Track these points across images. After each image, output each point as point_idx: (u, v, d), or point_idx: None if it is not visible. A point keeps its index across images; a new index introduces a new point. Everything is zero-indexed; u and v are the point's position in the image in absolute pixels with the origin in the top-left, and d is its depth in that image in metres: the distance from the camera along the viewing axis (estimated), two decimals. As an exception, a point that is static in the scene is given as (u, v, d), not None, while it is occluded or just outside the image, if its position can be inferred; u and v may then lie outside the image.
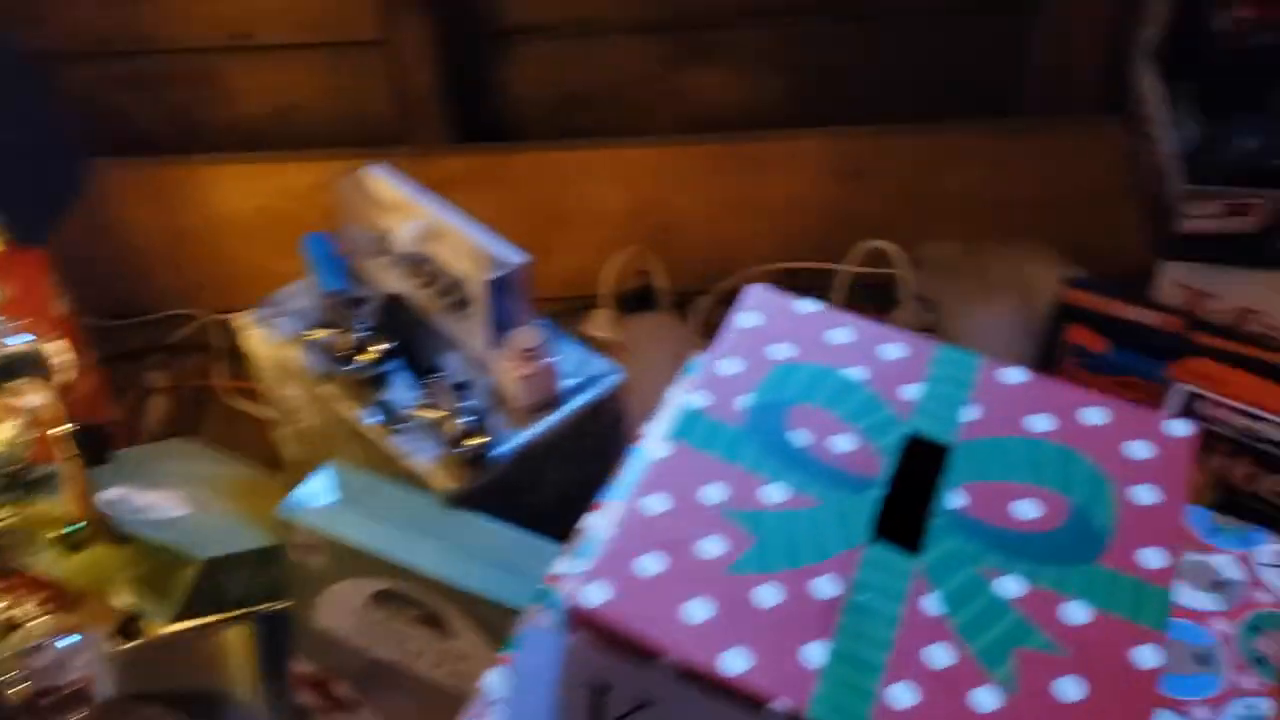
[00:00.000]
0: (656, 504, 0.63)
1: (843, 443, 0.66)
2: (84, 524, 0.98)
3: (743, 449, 0.65)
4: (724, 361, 0.70)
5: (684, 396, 0.68)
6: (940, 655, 0.59)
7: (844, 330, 0.72)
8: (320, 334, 1.05)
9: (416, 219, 1.07)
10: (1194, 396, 1.15)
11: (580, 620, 0.58)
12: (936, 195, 1.47)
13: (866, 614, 0.59)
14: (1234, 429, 1.12)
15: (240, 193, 1.51)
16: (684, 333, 1.45)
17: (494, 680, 0.78)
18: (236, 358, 1.50)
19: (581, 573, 0.59)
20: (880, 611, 0.60)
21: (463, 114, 1.49)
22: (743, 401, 0.68)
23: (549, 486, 1.03)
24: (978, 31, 1.45)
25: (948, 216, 1.47)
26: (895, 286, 1.44)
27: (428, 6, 1.38)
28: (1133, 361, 1.21)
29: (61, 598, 0.97)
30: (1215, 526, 0.88)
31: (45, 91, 0.94)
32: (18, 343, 0.89)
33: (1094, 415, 0.68)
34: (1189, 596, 0.83)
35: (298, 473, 1.17)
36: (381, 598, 0.95)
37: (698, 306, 1.47)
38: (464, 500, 0.97)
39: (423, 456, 0.99)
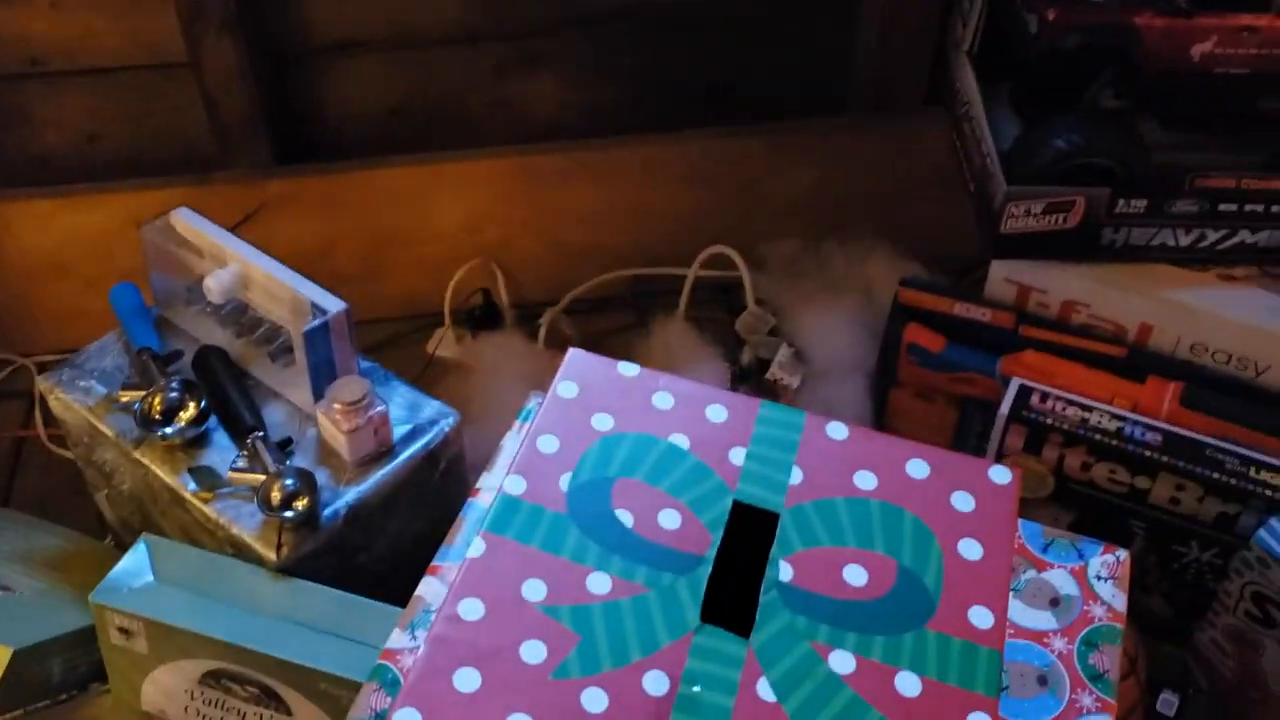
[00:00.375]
0: (471, 610, 0.59)
1: (669, 519, 0.64)
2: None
3: (564, 537, 0.62)
4: (542, 439, 0.67)
5: (500, 481, 0.65)
6: (774, 745, 0.57)
7: (665, 395, 0.69)
8: (130, 395, 0.99)
9: (227, 265, 1.00)
10: (1027, 389, 1.16)
11: (394, 750, 0.55)
12: (777, 195, 1.45)
13: (698, 709, 0.57)
14: (1067, 420, 1.14)
15: (44, 228, 1.42)
16: (532, 349, 1.40)
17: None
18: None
19: (392, 699, 0.55)
20: (712, 705, 0.57)
21: (284, 134, 1.41)
22: (563, 482, 0.65)
23: (386, 542, 0.99)
24: (804, 34, 1.43)
25: (789, 215, 1.46)
26: (740, 291, 1.42)
27: (232, 25, 1.31)
28: (968, 358, 1.22)
29: None
30: (1047, 542, 0.88)
31: None
32: None
33: (917, 468, 0.67)
34: (1028, 616, 0.83)
35: (123, 538, 1.10)
36: (212, 677, 0.89)
37: (545, 320, 1.43)
38: (293, 568, 0.92)
39: (247, 524, 0.93)
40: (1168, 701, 1.11)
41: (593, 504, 0.64)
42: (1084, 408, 1.14)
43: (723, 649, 0.59)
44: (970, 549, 0.64)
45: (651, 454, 0.66)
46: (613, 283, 1.48)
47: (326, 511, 0.94)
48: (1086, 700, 0.80)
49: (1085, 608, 0.84)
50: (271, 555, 0.92)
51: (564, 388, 0.70)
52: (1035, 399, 1.15)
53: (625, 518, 0.64)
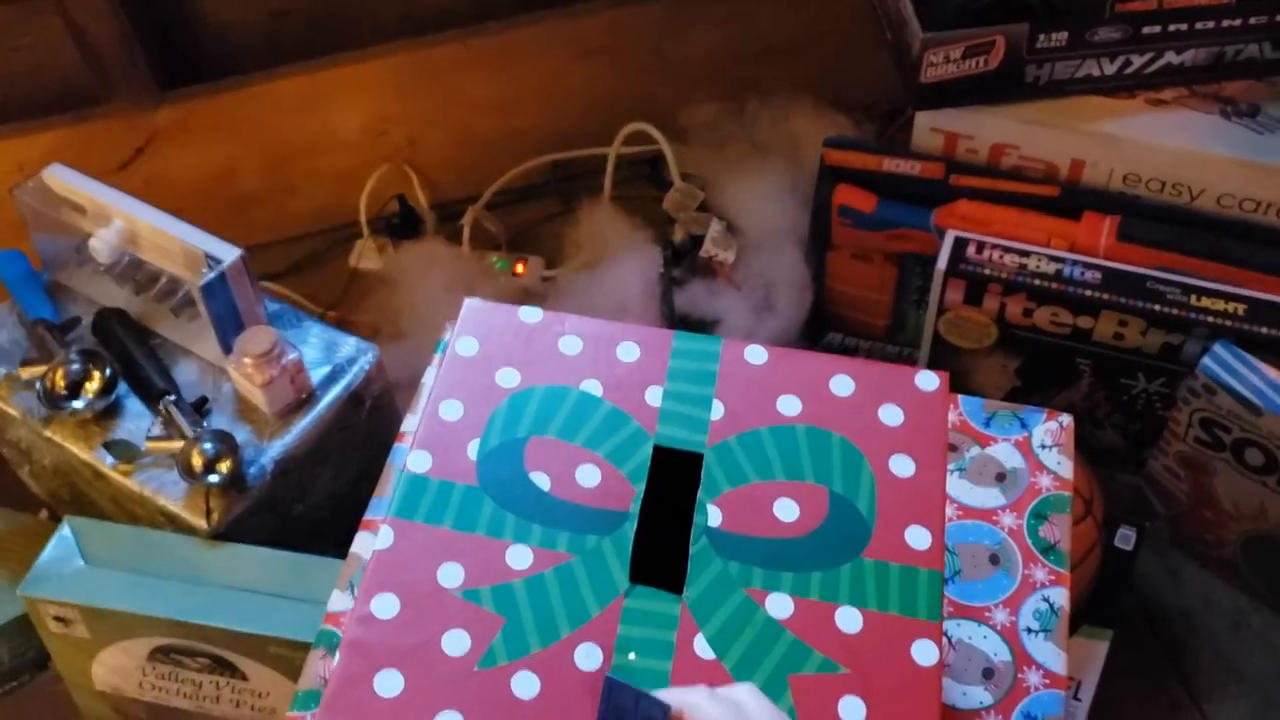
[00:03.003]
0: (385, 607, 0.55)
1: (588, 475, 0.59)
2: None
3: (477, 511, 0.58)
4: (444, 405, 0.62)
5: (403, 459, 0.60)
6: (716, 706, 0.54)
7: (572, 339, 0.64)
8: (31, 372, 0.93)
9: (111, 222, 0.93)
10: (963, 241, 1.12)
11: (320, 767, 0.51)
12: (687, 59, 1.37)
13: (633, 678, 0.54)
14: (1005, 268, 1.10)
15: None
16: (456, 252, 1.34)
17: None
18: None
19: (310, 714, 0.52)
20: (649, 671, 0.54)
21: (164, 57, 1.31)
22: (471, 450, 0.60)
23: (322, 490, 0.95)
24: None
25: (704, 79, 1.38)
26: (665, 165, 1.36)
27: (89, -55, 1.19)
28: (901, 214, 1.18)
29: None
30: (989, 416, 0.86)
31: None
32: None
33: (841, 385, 0.63)
34: (975, 494, 0.81)
35: (56, 509, 1.06)
36: (160, 652, 0.86)
37: (467, 220, 1.36)
38: (227, 532, 0.88)
39: (172, 493, 0.89)
40: (1125, 536, 1.10)
41: (505, 470, 0.60)
42: (1021, 254, 1.11)
43: (655, 610, 0.56)
44: (902, 465, 0.61)
45: (563, 406, 0.62)
46: (532, 171, 1.41)
47: (252, 470, 0.90)
48: (1040, 575, 0.78)
49: (1032, 479, 0.82)
50: (202, 523, 0.88)
51: (462, 344, 0.64)
52: (972, 250, 1.11)
53: (541, 480, 0.59)
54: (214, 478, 0.87)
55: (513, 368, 0.63)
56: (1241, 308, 1.04)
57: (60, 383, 0.91)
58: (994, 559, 0.79)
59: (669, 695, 0.52)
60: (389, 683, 0.53)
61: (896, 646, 0.56)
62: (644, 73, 1.38)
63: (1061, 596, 0.77)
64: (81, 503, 0.99)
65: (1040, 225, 1.13)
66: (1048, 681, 0.72)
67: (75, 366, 0.91)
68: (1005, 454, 0.83)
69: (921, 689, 0.55)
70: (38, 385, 0.91)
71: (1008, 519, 0.80)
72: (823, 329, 1.29)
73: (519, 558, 0.57)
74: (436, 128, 1.38)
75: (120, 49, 1.27)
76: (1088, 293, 1.07)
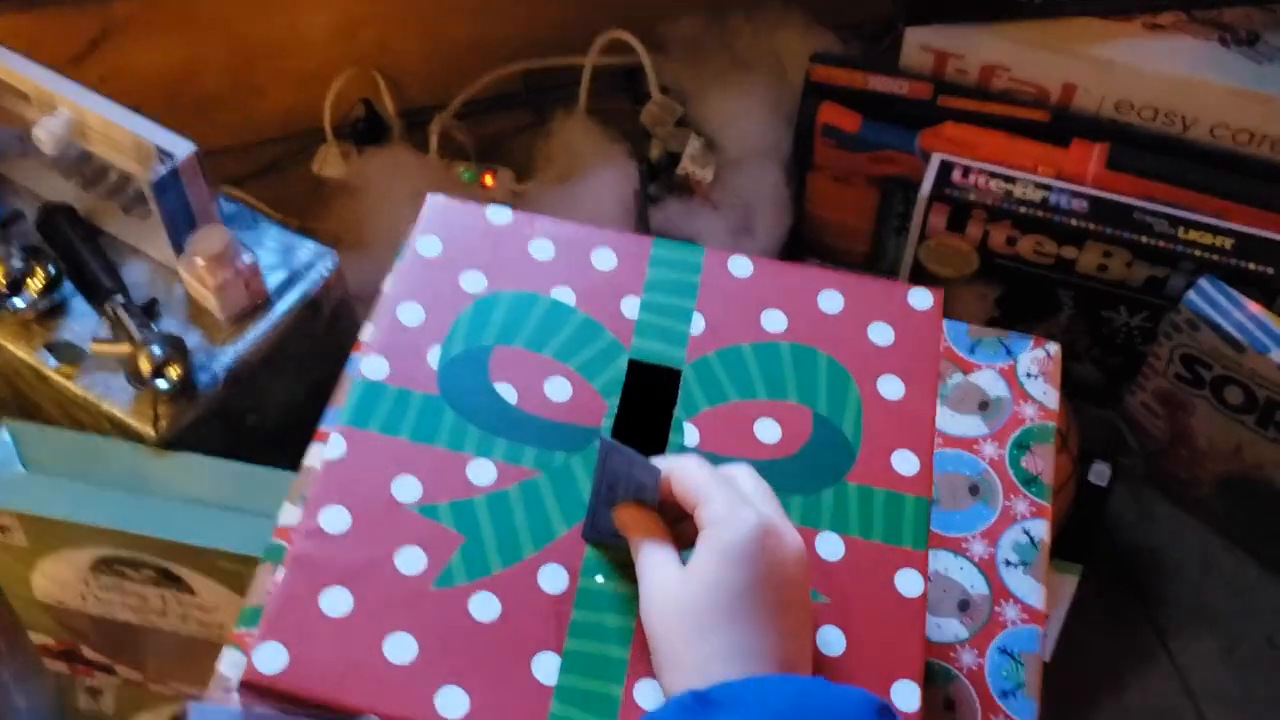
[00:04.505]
0: (335, 521, 0.51)
1: (558, 389, 0.55)
2: None
3: (437, 422, 0.53)
4: (403, 308, 0.57)
5: (358, 365, 0.55)
6: (688, 634, 0.50)
7: (544, 242, 0.59)
8: (-29, 269, 0.87)
9: (56, 110, 0.87)
10: (948, 165, 1.08)
11: (258, 692, 0.47)
12: (672, -34, 1.31)
13: (600, 603, 0.50)
14: (990, 194, 1.07)
15: None
16: (423, 161, 1.28)
17: (227, 660, 0.66)
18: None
19: (253, 632, 0.48)
20: (618, 596, 0.50)
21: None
22: (432, 357, 0.55)
23: (277, 401, 0.90)
24: None
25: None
26: (643, 77, 1.30)
27: None
28: (886, 135, 1.14)
29: None
30: (974, 342, 0.82)
31: None
32: None
33: (830, 301, 0.58)
34: (956, 422, 0.77)
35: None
36: (103, 564, 0.82)
37: (435, 128, 1.30)
38: (175, 441, 0.83)
39: (118, 398, 0.84)
40: (1100, 472, 1.08)
41: (468, 380, 0.55)
42: (1007, 179, 1.07)
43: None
44: (891, 387, 0.57)
45: (533, 314, 0.57)
46: (504, 79, 1.34)
47: (204, 376, 0.85)
48: (1021, 506, 0.75)
49: (1016, 408, 0.79)
50: (149, 430, 0.82)
51: (424, 244, 0.59)
52: (957, 175, 1.07)
53: (507, 392, 0.55)
54: (162, 383, 0.82)
55: (479, 271, 0.58)
56: (1229, 242, 1.01)
57: (1, 280, 0.85)
58: (974, 489, 0.75)
59: (662, 461, 0.50)
60: (336, 601, 0.49)
61: (879, 576, 0.52)
62: (625, -20, 1.31)
63: (1042, 529, 0.74)
64: (25, 406, 0.94)
65: (1028, 151, 1.09)
66: (1025, 616, 0.69)
67: (18, 263, 0.85)
68: (989, 381, 0.80)
69: (904, 621, 0.51)
70: (-23, 281, 0.85)
71: (989, 449, 0.77)
72: (800, 255, 1.24)
73: (481, 473, 0.53)
74: (406, 30, 1.31)
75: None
76: (1074, 221, 1.04)
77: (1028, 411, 0.79)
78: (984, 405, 0.79)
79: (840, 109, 1.14)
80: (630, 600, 0.50)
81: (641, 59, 1.26)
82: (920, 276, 1.13)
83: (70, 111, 0.87)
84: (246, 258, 0.86)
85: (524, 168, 1.30)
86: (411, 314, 0.57)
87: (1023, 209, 1.05)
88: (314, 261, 0.90)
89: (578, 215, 1.17)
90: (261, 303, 0.88)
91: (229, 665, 0.56)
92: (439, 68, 1.33)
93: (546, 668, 0.48)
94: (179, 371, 0.82)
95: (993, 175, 1.07)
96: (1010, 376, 0.80)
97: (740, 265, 0.59)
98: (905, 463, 0.55)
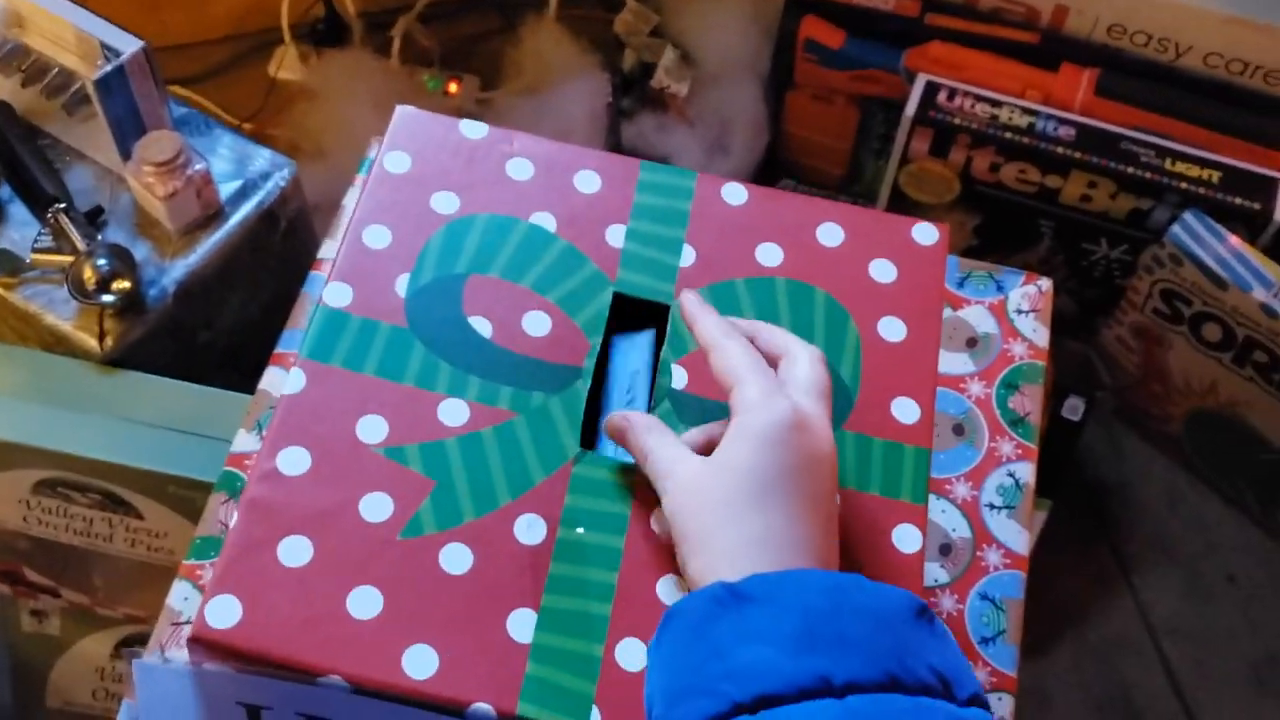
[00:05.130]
0: (294, 462, 0.46)
1: (536, 323, 0.50)
2: None
3: (406, 357, 0.49)
4: (369, 231, 0.51)
5: (319, 292, 0.50)
6: (674, 589, 0.46)
7: (523, 161, 0.54)
8: (-102, 170, 0.80)
9: (-9, 0, 0.79)
10: (934, 86, 1.04)
11: (208, 648, 0.43)
12: None
13: (581, 555, 0.46)
14: (975, 118, 1.03)
15: None
16: (385, 66, 1.21)
17: (176, 593, 0.62)
18: None
19: (205, 584, 0.43)
20: (599, 548, 0.46)
21: None
22: (400, 285, 0.50)
23: (230, 317, 0.84)
24: None
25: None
26: (615, -16, 1.23)
27: None
28: (870, 53, 1.09)
29: None
30: (964, 276, 0.78)
31: None
32: None
33: (829, 234, 0.54)
34: (943, 360, 0.73)
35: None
36: (46, 486, 0.77)
37: (398, 32, 1.23)
38: (123, 358, 0.78)
39: (61, 311, 0.78)
40: (1073, 406, 1.05)
41: (439, 311, 0.50)
42: (994, 103, 1.03)
43: (608, 479, 0.48)
44: (892, 329, 0.52)
45: (510, 240, 0.52)
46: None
47: (152, 291, 0.79)
48: (1006, 448, 0.71)
49: (1004, 346, 0.75)
50: (95, 346, 0.77)
51: (392, 160, 0.53)
52: (942, 97, 1.03)
53: (481, 326, 0.50)
54: (109, 297, 0.76)
55: (451, 191, 0.53)
56: (1216, 175, 0.98)
57: (-69, 181, 0.78)
58: (958, 429, 0.72)
59: (707, 333, 0.47)
60: (295, 550, 0.44)
61: (876, 530, 0.49)
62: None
63: (1028, 472, 0.71)
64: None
65: (1016, 74, 1.05)
66: (1008, 561, 0.66)
67: (-51, 164, 0.78)
68: (978, 317, 0.76)
69: (902, 579, 0.48)
70: (-95, 183, 0.79)
71: (976, 387, 0.73)
72: (776, 175, 1.20)
73: (453, 413, 0.48)
74: (370, -76, 1.23)
75: None
76: (1059, 149, 1.00)
77: (1017, 350, 0.75)
78: (972, 342, 0.75)
79: (824, 24, 1.08)
80: (614, 555, 0.46)
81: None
82: (899, 202, 1.09)
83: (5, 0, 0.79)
84: (198, 165, 0.80)
85: (491, 76, 1.24)
86: (377, 236, 0.51)
87: (1008, 135, 1.02)
88: (270, 171, 0.84)
89: (546, 128, 1.11)
90: (214, 213, 0.82)
91: (178, 599, 0.51)
92: (403, -35, 1.25)
93: (522, 625, 0.45)
94: (127, 285, 0.76)
95: (979, 99, 1.03)
96: (1000, 313, 0.76)
97: (735, 192, 0.54)
98: (906, 410, 0.51)
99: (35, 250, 0.79)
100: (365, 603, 0.44)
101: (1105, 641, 1.02)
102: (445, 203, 0.53)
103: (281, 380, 0.56)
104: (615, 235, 0.52)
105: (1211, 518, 1.07)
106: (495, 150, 0.54)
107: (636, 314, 0.51)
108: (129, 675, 0.45)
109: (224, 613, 0.43)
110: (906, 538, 0.49)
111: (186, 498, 0.76)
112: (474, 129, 0.55)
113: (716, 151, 1.15)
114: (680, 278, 0.52)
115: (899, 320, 0.52)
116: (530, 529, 0.46)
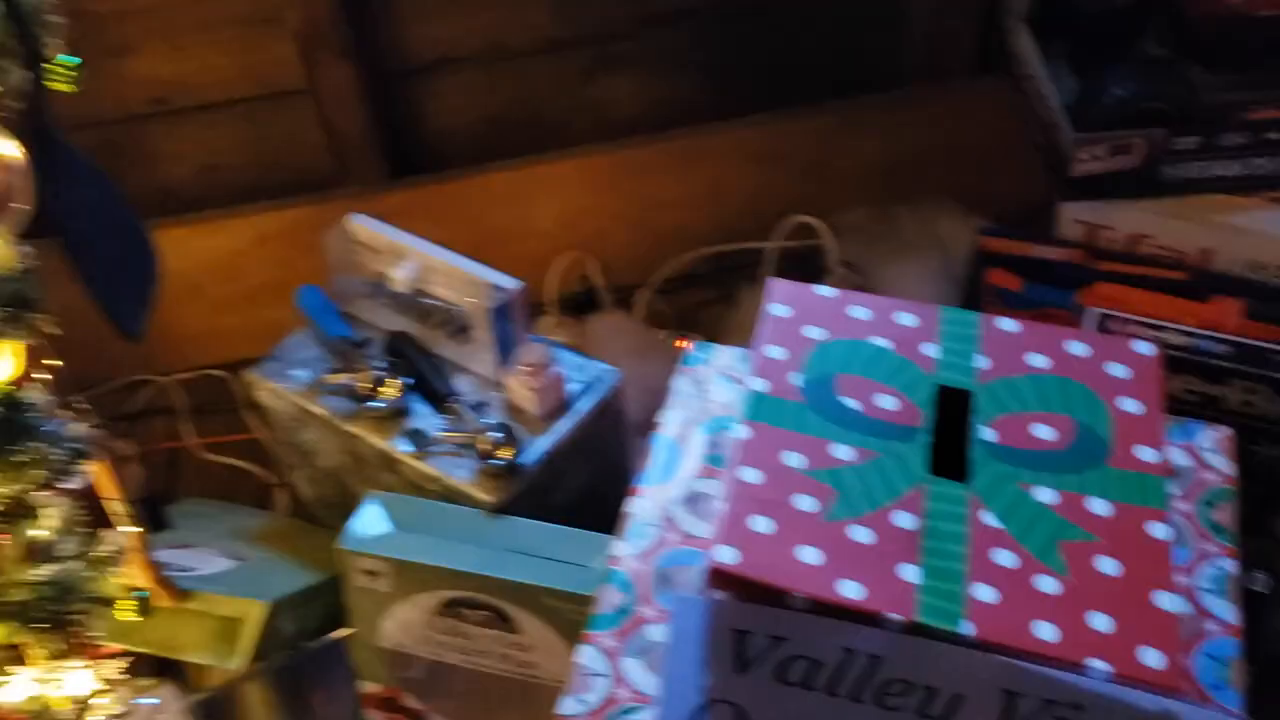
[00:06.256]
0: (752, 476, 0.77)
1: (886, 401, 0.81)
2: (147, 589, 1.06)
3: (807, 420, 0.80)
4: (769, 349, 0.85)
5: (748, 384, 0.82)
6: (1005, 557, 0.74)
7: (861, 308, 0.87)
8: (339, 377, 1.16)
9: (410, 259, 1.18)
10: (1105, 317, 1.32)
11: (719, 577, 0.72)
12: (842, 167, 1.63)
13: (941, 535, 0.75)
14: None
15: (176, 254, 1.57)
16: (632, 324, 1.58)
17: (585, 655, 0.89)
18: (203, 416, 1.58)
19: (711, 539, 0.73)
20: (951, 532, 0.75)
21: (391, 150, 1.59)
22: (795, 380, 0.83)
23: (568, 485, 1.16)
24: (857, 9, 1.61)
25: (854, 186, 1.64)
26: (820, 256, 1.60)
27: (349, 50, 1.48)
28: (1046, 294, 1.38)
29: (137, 661, 1.06)
30: (1160, 426, 1.05)
31: (115, 189, 1.01)
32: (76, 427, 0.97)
33: (1077, 348, 0.85)
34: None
35: (318, 512, 1.27)
36: (447, 607, 1.06)
37: (640, 299, 1.60)
38: (504, 507, 1.09)
39: (460, 474, 1.10)
40: (1261, 579, 1.27)
41: (822, 394, 0.82)
42: (1157, 328, 1.29)
43: (951, 492, 0.77)
44: (1130, 405, 0.82)
45: (861, 354, 0.84)
46: (698, 260, 1.65)
47: (525, 459, 1.11)
48: (1212, 548, 0.96)
49: (1200, 475, 1.01)
50: (488, 498, 1.09)
51: (775, 309, 0.88)
52: (1114, 326, 1.31)
53: (851, 403, 0.81)
54: (500, 461, 1.09)
55: (817, 325, 0.86)
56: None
57: (367, 384, 1.14)
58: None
59: None
60: (761, 524, 0.75)
61: (1137, 526, 0.76)
62: (801, 178, 1.64)
63: (1232, 565, 0.95)
64: (346, 505, 1.20)
65: (1173, 306, 1.31)
66: (1223, 629, 0.90)
67: (380, 372, 1.14)
68: (1175, 455, 1.03)
69: (1158, 554, 0.75)
70: (345, 386, 1.14)
71: (1181, 505, 0.99)
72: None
73: (842, 452, 0.79)
74: (619, 219, 1.64)
75: (361, 141, 1.55)
76: (1219, 362, 1.26)
77: (1211, 477, 1.01)
78: (1174, 473, 1.01)
79: (1005, 273, 1.40)
80: (962, 536, 0.75)
81: (823, 238, 1.56)
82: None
83: (419, 258, 1.17)
84: (556, 369, 1.14)
85: (715, 336, 1.58)
86: (776, 352, 0.85)
87: (1173, 352, 1.28)
88: (604, 376, 1.18)
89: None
90: (564, 405, 1.15)
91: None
92: (644, 251, 1.65)
93: (910, 574, 0.73)
94: (512, 452, 1.09)
95: (1144, 324, 1.31)
96: (1192, 451, 1.03)
97: (1007, 324, 0.86)
98: (1147, 455, 0.80)
99: (441, 430, 1.13)
100: (810, 555, 0.74)
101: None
102: (815, 332, 0.86)
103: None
104: (930, 349, 0.85)
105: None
106: (842, 302, 0.88)
107: (952, 399, 0.82)
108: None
109: (729, 555, 0.72)
110: (1157, 529, 0.76)
111: (557, 609, 1.04)
112: (826, 291, 0.89)
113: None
114: (979, 374, 0.83)
115: (1133, 399, 0.82)
116: (904, 519, 0.75)
